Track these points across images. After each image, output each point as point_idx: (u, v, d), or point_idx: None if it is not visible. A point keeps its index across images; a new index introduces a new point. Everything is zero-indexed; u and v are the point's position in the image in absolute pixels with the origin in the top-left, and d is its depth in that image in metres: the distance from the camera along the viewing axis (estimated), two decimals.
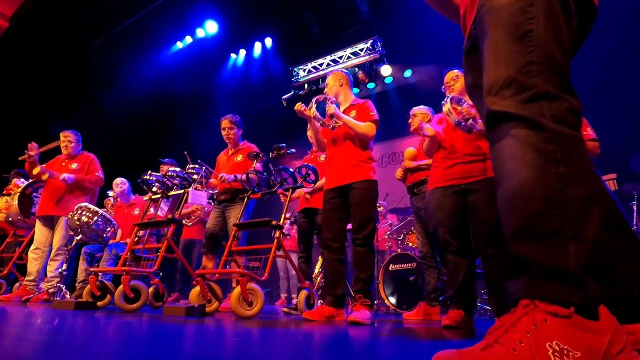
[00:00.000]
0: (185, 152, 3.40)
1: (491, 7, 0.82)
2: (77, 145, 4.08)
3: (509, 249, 0.72)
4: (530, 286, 0.67)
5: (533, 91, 0.72)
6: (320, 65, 7.19)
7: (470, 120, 2.11)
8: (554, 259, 0.65)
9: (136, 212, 4.22)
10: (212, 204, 3.75)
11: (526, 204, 0.69)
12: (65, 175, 3.71)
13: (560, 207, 0.67)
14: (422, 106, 3.31)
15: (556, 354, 0.59)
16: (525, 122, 0.72)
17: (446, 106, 2.18)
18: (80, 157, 4.07)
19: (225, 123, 3.69)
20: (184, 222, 5.14)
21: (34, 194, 4.11)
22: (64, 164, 3.99)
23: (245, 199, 3.01)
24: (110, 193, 4.73)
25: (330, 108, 2.53)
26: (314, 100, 2.58)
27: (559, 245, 0.66)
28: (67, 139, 4.03)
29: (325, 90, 2.81)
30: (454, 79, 2.46)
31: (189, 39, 7.60)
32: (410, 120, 3.25)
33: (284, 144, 3.13)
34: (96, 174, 3.98)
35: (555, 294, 0.64)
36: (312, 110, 2.55)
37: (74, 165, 3.98)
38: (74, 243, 3.30)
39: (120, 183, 4.39)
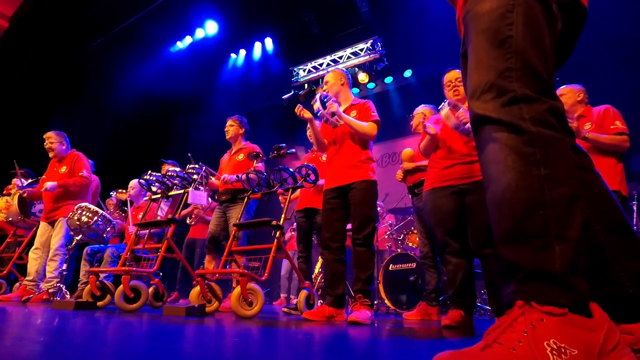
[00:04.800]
0: (190, 154, 3.40)
1: (475, 14, 0.83)
2: (60, 145, 3.97)
3: (498, 254, 0.72)
4: (519, 290, 0.67)
5: (512, 95, 0.73)
6: (320, 65, 7.18)
7: (468, 124, 2.13)
8: (540, 261, 0.66)
9: (140, 216, 4.19)
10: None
11: (510, 208, 0.70)
12: (47, 185, 3.64)
13: (543, 208, 0.68)
14: (422, 105, 3.30)
15: (554, 352, 0.59)
16: (505, 126, 0.73)
17: (444, 110, 2.20)
18: (68, 157, 3.97)
19: (228, 121, 3.82)
20: (187, 221, 5.15)
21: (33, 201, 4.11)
22: (55, 168, 3.96)
23: (246, 199, 3.02)
24: (113, 193, 4.73)
25: (333, 106, 2.52)
26: (317, 95, 2.57)
27: (544, 246, 0.66)
28: (48, 141, 3.94)
29: (324, 88, 2.80)
30: (460, 80, 2.42)
31: (188, 39, 7.60)
32: (412, 122, 3.27)
33: (284, 144, 3.12)
34: (80, 174, 3.84)
35: (543, 295, 0.64)
36: (317, 105, 2.54)
37: (63, 169, 3.90)
38: (73, 243, 3.30)
39: (130, 187, 4.35)
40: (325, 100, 2.61)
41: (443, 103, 2.23)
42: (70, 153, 4.03)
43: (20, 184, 4.06)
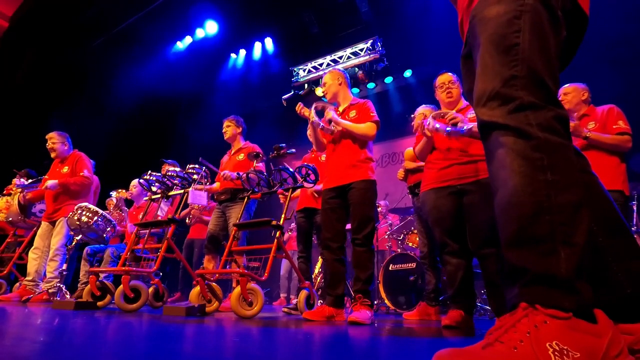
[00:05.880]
0: (200, 158, 3.41)
1: (482, 18, 0.83)
2: (62, 146, 3.99)
3: (504, 257, 0.73)
4: (523, 292, 0.67)
5: (518, 102, 0.73)
6: (320, 65, 7.18)
7: (459, 123, 2.13)
8: (545, 265, 0.66)
9: (140, 216, 4.22)
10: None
11: (517, 212, 0.70)
12: (48, 183, 3.67)
13: (549, 213, 0.68)
14: (423, 106, 3.29)
15: (556, 353, 0.59)
16: (512, 131, 0.73)
17: (430, 124, 2.20)
18: (70, 158, 4.00)
19: (225, 122, 3.82)
20: (187, 221, 5.15)
21: (35, 202, 4.11)
22: (57, 168, 3.98)
23: (246, 199, 3.02)
24: (113, 194, 4.73)
25: (329, 114, 2.54)
26: (312, 107, 2.58)
27: (549, 251, 0.66)
28: (50, 141, 3.97)
29: (323, 90, 2.79)
30: (453, 83, 2.45)
31: (188, 39, 7.60)
32: (412, 123, 3.27)
33: (284, 144, 3.13)
34: (81, 173, 3.86)
35: (547, 299, 0.64)
36: (312, 116, 2.56)
37: (65, 169, 3.92)
38: (73, 243, 3.30)
39: (132, 186, 4.39)
40: (322, 109, 2.62)
41: (427, 120, 2.26)
42: (72, 153, 4.05)
43: (22, 183, 4.06)
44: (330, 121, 2.56)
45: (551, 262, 0.66)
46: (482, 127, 0.79)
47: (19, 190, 3.94)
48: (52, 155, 4.00)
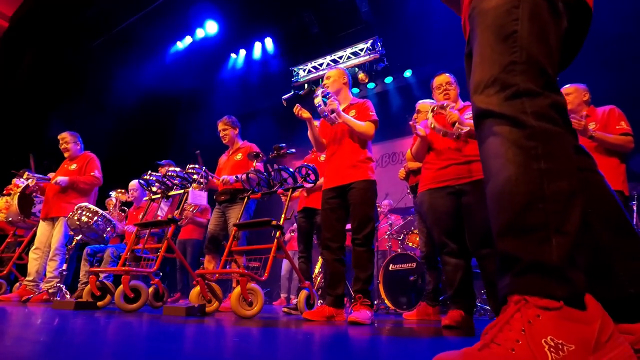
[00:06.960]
0: (198, 152, 3.37)
1: (480, 10, 0.83)
2: (75, 145, 4.07)
3: (496, 246, 0.73)
4: (515, 282, 0.67)
5: (514, 88, 0.73)
6: (320, 65, 7.19)
7: (456, 124, 2.13)
8: (537, 253, 0.66)
9: (140, 216, 4.22)
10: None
11: (510, 201, 0.70)
12: (58, 178, 3.70)
13: (542, 202, 0.68)
14: (427, 100, 3.26)
15: (552, 349, 0.59)
16: (507, 120, 0.73)
17: (430, 119, 2.21)
18: (81, 157, 4.06)
19: (220, 125, 3.78)
20: (179, 222, 5.14)
21: (34, 194, 4.11)
22: (65, 165, 4.03)
23: (245, 199, 3.02)
24: (112, 193, 4.72)
25: (333, 104, 2.53)
26: (319, 91, 2.56)
27: (542, 239, 0.66)
28: (63, 141, 4.04)
29: (326, 83, 2.79)
30: (450, 84, 2.44)
31: (188, 39, 7.60)
32: (415, 116, 3.23)
33: (284, 144, 3.12)
34: (92, 173, 3.92)
35: (539, 288, 0.64)
36: (318, 100, 2.53)
37: (73, 167, 3.97)
38: (73, 243, 3.30)
39: (132, 189, 4.41)
40: (327, 96, 2.60)
41: (429, 111, 2.27)
42: (84, 153, 4.12)
43: (32, 173, 4.07)
44: (332, 111, 2.54)
45: (543, 250, 0.66)
46: (477, 116, 0.79)
47: (30, 177, 3.94)
48: (66, 155, 4.07)
